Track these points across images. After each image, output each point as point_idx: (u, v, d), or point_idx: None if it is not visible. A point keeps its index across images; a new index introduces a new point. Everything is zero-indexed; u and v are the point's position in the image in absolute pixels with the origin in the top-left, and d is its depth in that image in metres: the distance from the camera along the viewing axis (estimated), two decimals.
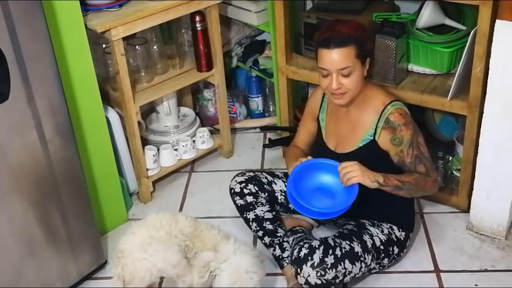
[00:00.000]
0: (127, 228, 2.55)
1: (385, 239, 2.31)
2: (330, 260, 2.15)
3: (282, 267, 2.38)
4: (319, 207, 2.14)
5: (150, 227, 2.14)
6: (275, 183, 2.52)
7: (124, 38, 2.51)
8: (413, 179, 2.20)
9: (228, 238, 2.20)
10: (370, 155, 2.23)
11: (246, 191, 2.46)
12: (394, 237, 2.33)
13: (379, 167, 2.20)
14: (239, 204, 2.47)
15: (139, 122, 2.75)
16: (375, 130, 2.22)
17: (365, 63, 2.17)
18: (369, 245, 2.25)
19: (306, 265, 2.14)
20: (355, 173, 2.10)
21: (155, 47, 2.81)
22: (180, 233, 2.15)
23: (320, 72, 2.18)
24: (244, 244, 2.19)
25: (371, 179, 2.12)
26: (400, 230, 2.35)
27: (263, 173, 2.56)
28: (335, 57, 2.10)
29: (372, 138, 2.23)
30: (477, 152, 2.44)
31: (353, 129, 2.27)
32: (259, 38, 3.38)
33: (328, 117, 2.38)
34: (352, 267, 2.19)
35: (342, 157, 2.25)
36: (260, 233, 2.42)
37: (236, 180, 2.50)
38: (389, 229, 2.33)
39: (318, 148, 2.41)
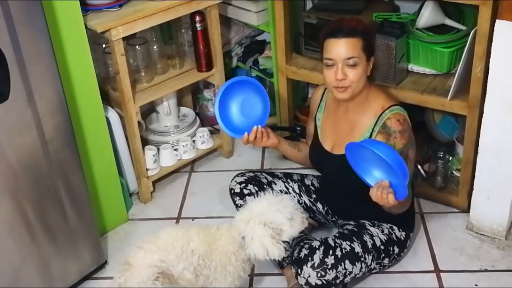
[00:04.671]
0: (130, 228, 2.56)
1: (386, 239, 2.31)
2: (330, 260, 2.15)
3: (282, 267, 2.38)
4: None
5: (161, 247, 2.00)
6: (275, 183, 2.52)
7: (124, 38, 2.51)
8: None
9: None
10: None
11: (246, 191, 2.46)
12: (394, 237, 2.33)
13: None
14: (239, 205, 2.46)
15: (139, 122, 2.75)
16: (371, 133, 2.20)
17: (370, 60, 2.17)
18: (370, 245, 2.25)
19: (306, 265, 2.14)
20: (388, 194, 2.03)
21: (155, 47, 2.81)
22: (191, 255, 2.02)
23: (324, 65, 2.16)
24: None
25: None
26: (400, 230, 2.35)
27: (263, 173, 2.55)
28: (342, 47, 2.10)
29: None
30: (477, 152, 2.44)
31: (351, 131, 2.26)
32: (259, 38, 3.38)
33: (326, 117, 2.37)
34: (353, 268, 2.19)
35: (338, 159, 2.25)
36: None
37: (236, 181, 2.50)
38: (389, 229, 2.33)
39: (315, 148, 2.41)
